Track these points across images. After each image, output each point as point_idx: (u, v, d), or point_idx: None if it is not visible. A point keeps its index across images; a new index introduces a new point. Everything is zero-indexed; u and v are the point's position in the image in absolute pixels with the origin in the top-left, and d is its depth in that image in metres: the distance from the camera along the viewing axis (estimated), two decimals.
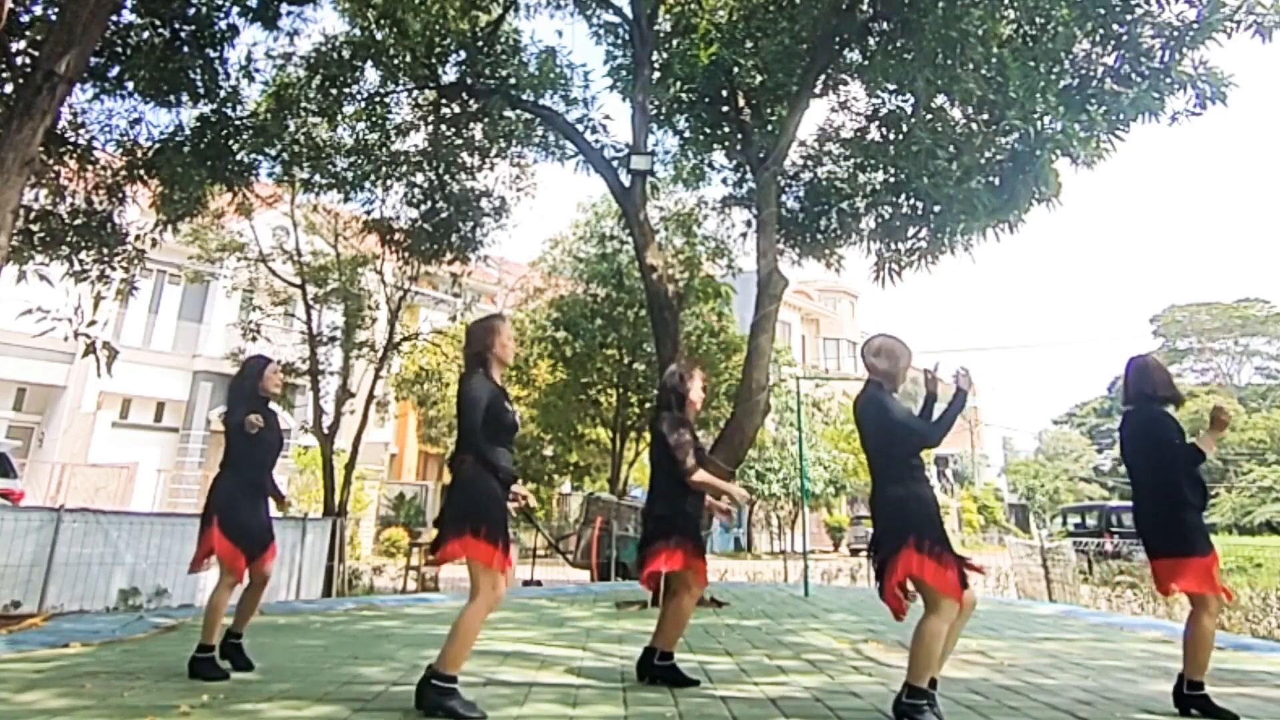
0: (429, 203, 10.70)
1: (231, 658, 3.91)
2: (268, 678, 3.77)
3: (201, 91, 8.26)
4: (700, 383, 4.10)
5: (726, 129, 10.23)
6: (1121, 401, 3.91)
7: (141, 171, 8.39)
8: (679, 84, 9.90)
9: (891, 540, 3.14)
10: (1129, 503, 4.09)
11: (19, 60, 6.72)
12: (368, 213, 11.04)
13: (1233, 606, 10.14)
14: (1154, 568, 3.57)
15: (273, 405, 4.27)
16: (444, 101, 10.39)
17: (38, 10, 7.28)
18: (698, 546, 3.82)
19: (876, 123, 9.32)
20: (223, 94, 8.55)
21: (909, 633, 3.95)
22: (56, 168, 7.95)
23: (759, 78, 9.64)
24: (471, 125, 10.70)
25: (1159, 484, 3.57)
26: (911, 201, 8.78)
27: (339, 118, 9.90)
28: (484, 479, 3.27)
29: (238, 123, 8.81)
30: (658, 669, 3.80)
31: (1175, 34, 7.16)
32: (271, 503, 4.21)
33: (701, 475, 3.82)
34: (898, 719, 3.05)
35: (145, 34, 7.87)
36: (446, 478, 3.55)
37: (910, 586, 3.14)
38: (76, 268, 8.19)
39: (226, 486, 3.95)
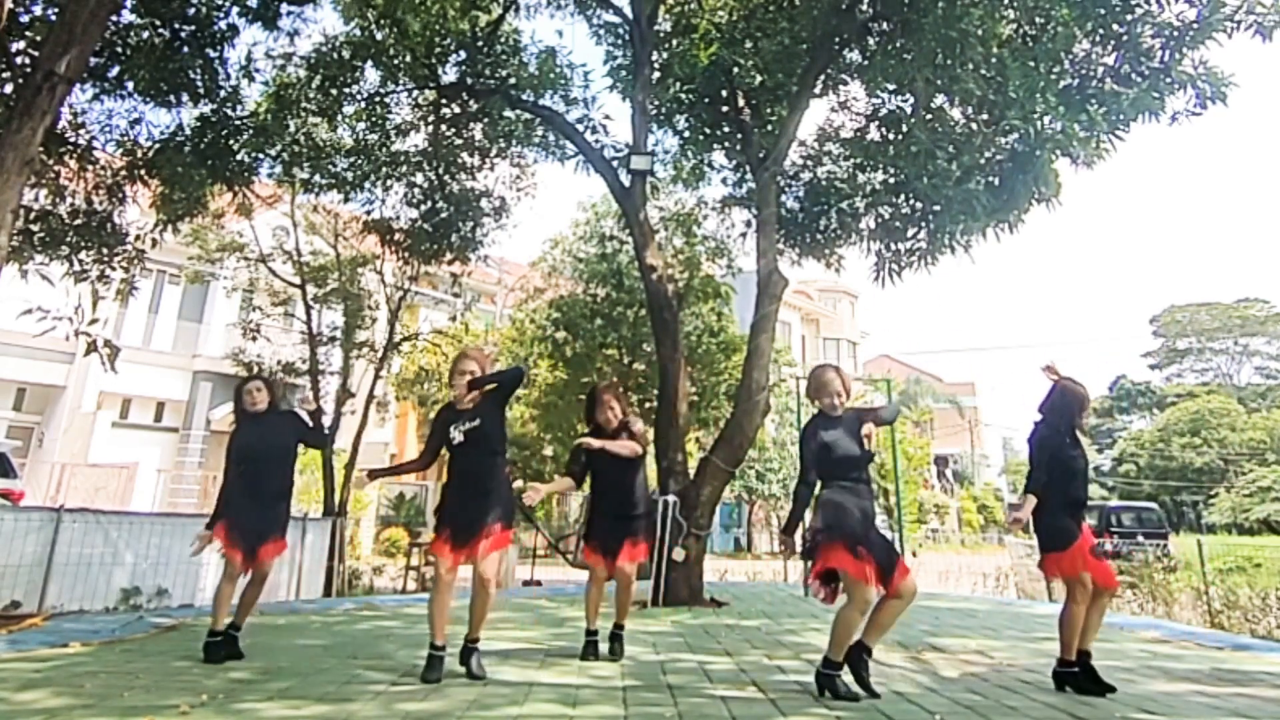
0: (429, 203, 10.69)
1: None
2: (268, 677, 3.77)
3: (201, 91, 8.26)
4: None
5: (726, 129, 10.24)
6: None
7: (141, 171, 8.39)
8: (679, 84, 9.90)
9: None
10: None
11: (19, 60, 6.73)
12: (368, 213, 11.02)
13: (1232, 606, 10.12)
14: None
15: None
16: (444, 101, 10.38)
17: (38, 10, 7.28)
18: None
19: (876, 123, 9.31)
20: (223, 94, 8.55)
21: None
22: (56, 168, 7.94)
23: (759, 78, 9.63)
24: (471, 125, 10.70)
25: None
26: (911, 201, 8.78)
27: (339, 118, 9.90)
28: None
29: (238, 123, 8.80)
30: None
31: (1175, 34, 7.15)
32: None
33: None
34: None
35: (145, 34, 7.87)
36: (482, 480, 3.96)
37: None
38: (76, 268, 8.18)
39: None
